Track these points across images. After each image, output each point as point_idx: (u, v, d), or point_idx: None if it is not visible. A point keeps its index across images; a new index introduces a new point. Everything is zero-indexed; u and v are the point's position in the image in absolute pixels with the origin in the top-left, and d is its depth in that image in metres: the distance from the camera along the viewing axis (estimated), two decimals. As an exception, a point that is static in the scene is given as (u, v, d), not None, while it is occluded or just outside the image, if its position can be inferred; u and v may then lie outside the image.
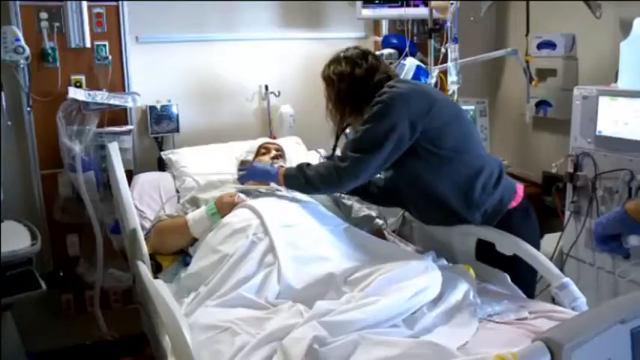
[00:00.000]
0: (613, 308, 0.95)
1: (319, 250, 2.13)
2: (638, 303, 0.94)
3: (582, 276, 2.90)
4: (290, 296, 1.96)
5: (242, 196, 2.46)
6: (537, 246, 2.25)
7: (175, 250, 2.49)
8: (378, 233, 2.57)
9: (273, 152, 2.84)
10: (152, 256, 2.45)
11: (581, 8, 3.24)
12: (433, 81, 2.64)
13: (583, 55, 3.54)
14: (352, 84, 2.28)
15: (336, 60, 2.36)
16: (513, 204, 2.26)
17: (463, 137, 2.21)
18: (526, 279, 2.26)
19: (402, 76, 2.71)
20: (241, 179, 2.59)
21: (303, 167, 2.33)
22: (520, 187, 2.32)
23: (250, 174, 2.55)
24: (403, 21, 3.31)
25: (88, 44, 3.09)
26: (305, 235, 2.20)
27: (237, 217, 2.30)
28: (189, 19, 3.41)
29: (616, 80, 2.85)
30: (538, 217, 2.39)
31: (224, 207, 2.39)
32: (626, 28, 2.84)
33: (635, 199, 1.21)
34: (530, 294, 2.28)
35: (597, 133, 2.82)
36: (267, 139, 3.06)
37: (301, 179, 2.31)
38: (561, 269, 2.95)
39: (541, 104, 3.58)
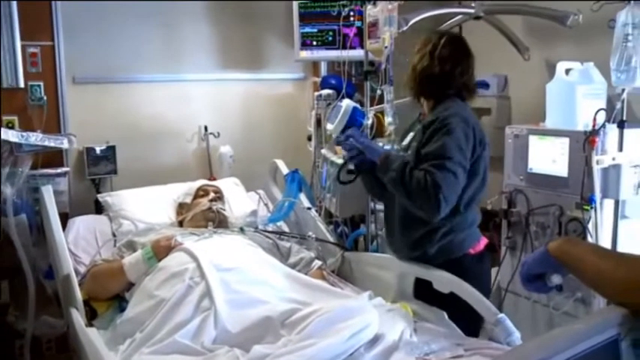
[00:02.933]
0: (533, 347, 0.98)
1: (256, 294, 2.12)
2: (555, 341, 0.97)
3: (520, 310, 2.96)
4: (227, 341, 1.94)
5: (179, 239, 2.43)
6: (487, 292, 2.26)
7: (111, 295, 2.43)
8: (317, 274, 2.57)
9: (212, 194, 2.83)
10: (87, 302, 2.38)
11: (512, 51, 3.39)
12: (369, 122, 2.69)
13: (515, 95, 3.69)
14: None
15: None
16: (471, 251, 2.28)
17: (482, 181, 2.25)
18: (467, 316, 2.28)
19: (338, 118, 2.76)
20: (345, 144, 2.37)
21: (405, 168, 2.12)
22: (483, 241, 2.34)
23: (361, 142, 2.32)
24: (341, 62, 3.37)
25: (22, 84, 3.03)
26: (242, 278, 2.19)
27: (173, 261, 2.27)
28: (127, 59, 3.39)
29: (544, 119, 2.96)
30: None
31: (160, 250, 2.36)
32: (552, 70, 2.97)
33: (557, 239, 1.25)
34: (472, 330, 2.28)
35: (528, 171, 2.92)
36: (205, 181, 3.05)
37: (396, 178, 2.13)
38: (500, 304, 3.03)
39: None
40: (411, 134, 2.36)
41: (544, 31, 3.34)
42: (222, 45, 3.63)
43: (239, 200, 3.15)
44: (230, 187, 3.23)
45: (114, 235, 2.89)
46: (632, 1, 2.53)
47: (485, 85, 3.70)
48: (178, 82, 3.53)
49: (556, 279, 1.29)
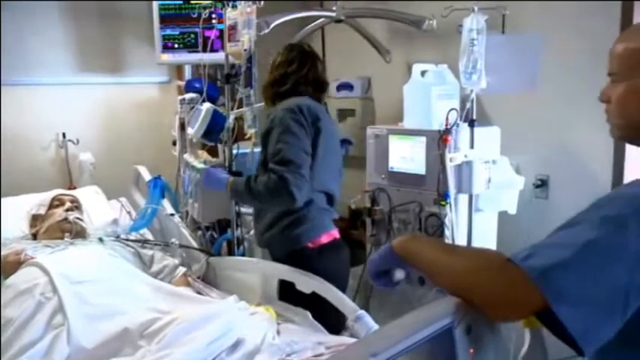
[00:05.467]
0: (364, 342, 1.00)
1: (114, 305, 2.06)
2: (385, 335, 1.00)
3: (387, 304, 3.05)
4: (82, 357, 1.88)
5: (30, 252, 2.29)
6: (337, 284, 2.26)
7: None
8: (182, 281, 2.53)
9: (68, 204, 2.70)
10: None
11: (375, 53, 3.49)
12: (231, 125, 2.67)
13: (378, 96, 3.80)
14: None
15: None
16: (310, 245, 2.33)
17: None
18: (331, 314, 2.31)
19: (198, 122, 2.72)
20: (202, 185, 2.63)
21: (250, 181, 2.29)
22: (328, 235, 2.38)
23: (205, 180, 2.55)
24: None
25: None
26: (99, 290, 2.11)
27: (22, 277, 2.15)
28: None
29: (403, 120, 3.08)
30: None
31: (8, 267, 2.23)
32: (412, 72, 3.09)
33: (401, 237, 1.29)
34: (336, 328, 2.32)
35: (389, 169, 3.02)
36: (61, 191, 2.89)
37: (248, 194, 2.30)
38: (368, 300, 3.11)
39: (343, 143, 3.74)
40: None
41: (404, 34, 3.48)
42: (78, 46, 3.46)
43: (99, 209, 3.02)
44: (90, 195, 3.08)
45: (-45, 253, 2.67)
46: (476, 8, 2.68)
47: (349, 87, 3.81)
48: (31, 85, 3.32)
49: (399, 274, 1.32)
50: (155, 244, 2.76)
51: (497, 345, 1.15)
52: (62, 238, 2.55)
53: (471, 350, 1.10)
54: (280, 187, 2.14)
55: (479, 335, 1.11)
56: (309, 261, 2.30)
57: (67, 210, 2.66)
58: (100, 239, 2.59)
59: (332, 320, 2.27)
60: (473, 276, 1.08)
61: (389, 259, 1.32)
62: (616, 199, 1.02)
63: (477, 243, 2.88)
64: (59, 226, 2.61)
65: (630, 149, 2.67)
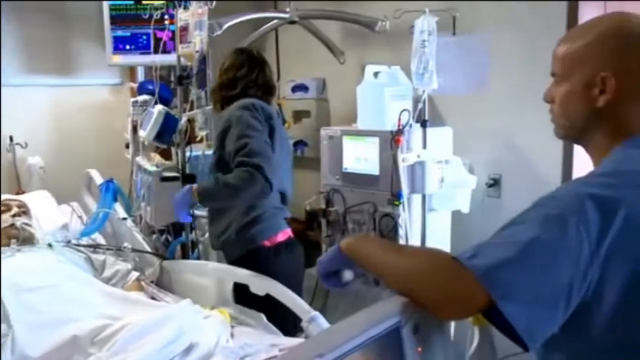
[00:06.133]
0: (310, 343, 1.00)
1: (63, 313, 2.02)
2: (332, 336, 1.00)
3: (344, 304, 3.05)
4: (28, 367, 1.81)
5: (-26, 260, 2.23)
6: (292, 285, 2.26)
7: None
8: (135, 286, 2.50)
9: (15, 209, 2.63)
10: None
11: (329, 54, 3.50)
12: (183, 128, 2.65)
13: (333, 98, 3.81)
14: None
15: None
16: (267, 243, 2.34)
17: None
18: (286, 315, 2.31)
19: (150, 124, 2.69)
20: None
21: (220, 179, 2.25)
22: (283, 234, 2.40)
23: (176, 209, 2.41)
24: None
25: None
26: (48, 297, 2.07)
27: (-36, 287, 2.08)
28: None
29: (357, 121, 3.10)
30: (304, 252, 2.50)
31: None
32: (367, 73, 3.10)
33: (348, 237, 1.29)
34: (291, 330, 2.32)
35: (343, 170, 3.04)
36: (7, 196, 2.82)
37: (222, 192, 2.24)
38: (326, 300, 3.11)
39: (298, 144, 3.76)
40: None
41: (359, 35, 3.49)
42: (25, 47, 3.38)
43: (49, 214, 2.94)
44: (39, 200, 3.00)
45: None
46: (427, 10, 2.71)
47: (304, 89, 3.81)
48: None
49: (348, 275, 1.32)
50: (107, 249, 2.71)
51: (446, 343, 1.16)
52: (9, 245, 2.48)
53: (419, 349, 1.10)
54: (256, 174, 2.13)
55: (426, 334, 1.12)
56: (266, 260, 2.31)
57: (14, 215, 2.59)
58: (49, 245, 2.53)
59: (289, 322, 2.27)
60: (419, 276, 1.08)
61: (337, 260, 1.31)
62: (557, 199, 1.04)
63: (430, 242, 2.91)
64: (5, 233, 2.53)
65: (578, 149, 2.72)
